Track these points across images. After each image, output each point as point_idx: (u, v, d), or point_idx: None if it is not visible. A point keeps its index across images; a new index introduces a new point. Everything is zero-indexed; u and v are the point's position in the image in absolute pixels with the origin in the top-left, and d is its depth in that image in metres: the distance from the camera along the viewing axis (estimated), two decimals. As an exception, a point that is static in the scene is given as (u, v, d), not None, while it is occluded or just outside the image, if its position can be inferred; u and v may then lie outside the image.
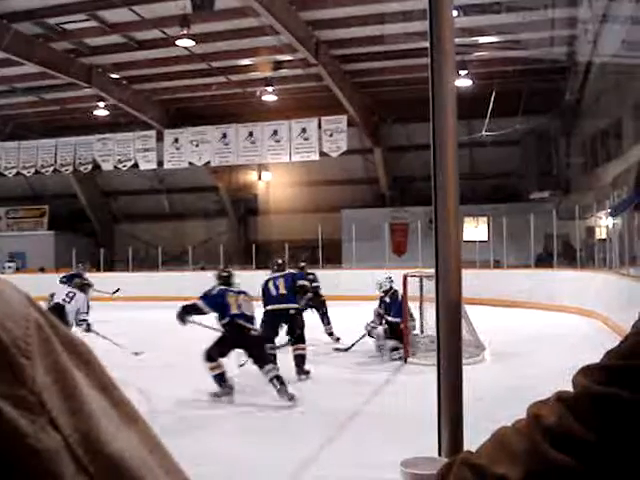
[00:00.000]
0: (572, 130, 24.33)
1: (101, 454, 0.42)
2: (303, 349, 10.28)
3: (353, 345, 12.07)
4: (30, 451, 0.38)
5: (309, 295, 12.09)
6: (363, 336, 11.99)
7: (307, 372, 10.06)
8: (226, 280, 9.19)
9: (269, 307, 10.34)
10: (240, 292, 8.93)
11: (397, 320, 11.55)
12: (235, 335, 8.56)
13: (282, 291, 10.40)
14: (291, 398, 8.14)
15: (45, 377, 0.41)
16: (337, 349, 12.36)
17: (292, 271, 11.51)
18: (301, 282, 10.98)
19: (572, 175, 24.72)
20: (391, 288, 12.08)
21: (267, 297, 10.44)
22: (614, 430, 0.66)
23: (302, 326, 10.45)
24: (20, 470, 0.38)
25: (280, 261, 11.32)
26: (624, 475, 0.66)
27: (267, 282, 10.58)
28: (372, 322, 12.01)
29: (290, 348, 10.27)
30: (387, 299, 11.99)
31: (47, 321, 0.44)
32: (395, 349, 11.35)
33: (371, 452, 5.97)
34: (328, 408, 7.82)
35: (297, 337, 10.28)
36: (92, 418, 0.42)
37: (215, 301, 8.79)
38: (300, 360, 10.11)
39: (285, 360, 9.71)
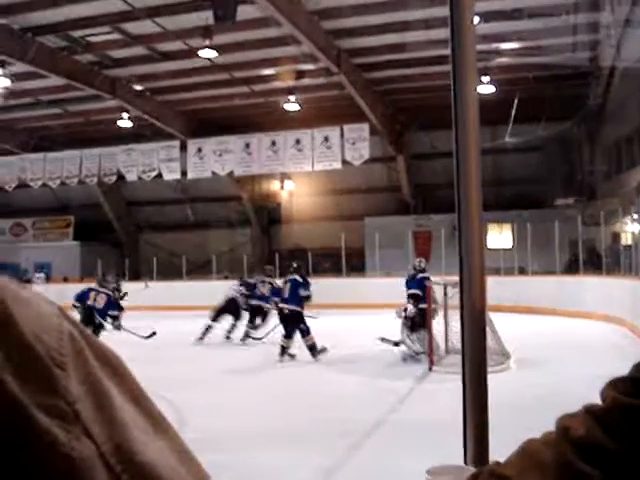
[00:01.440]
0: (596, 136, 24.16)
1: (133, 463, 0.42)
2: (310, 339, 12.23)
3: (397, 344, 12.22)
4: (65, 459, 0.39)
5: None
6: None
7: (324, 350, 12.18)
8: None
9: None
10: None
11: (416, 292, 12.13)
12: None
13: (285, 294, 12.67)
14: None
15: (79, 388, 0.42)
16: (383, 339, 12.44)
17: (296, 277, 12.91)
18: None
19: (596, 181, 24.52)
20: (422, 270, 12.74)
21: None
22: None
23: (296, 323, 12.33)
24: (55, 478, 0.39)
25: (295, 265, 13.28)
26: None
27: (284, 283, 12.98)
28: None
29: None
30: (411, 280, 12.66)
31: (80, 333, 0.45)
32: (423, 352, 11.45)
33: (396, 461, 5.94)
34: (352, 416, 7.79)
35: (301, 331, 12.28)
36: (124, 428, 0.43)
37: None
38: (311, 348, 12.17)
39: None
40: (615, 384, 0.72)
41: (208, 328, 15.11)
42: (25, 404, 0.38)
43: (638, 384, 0.69)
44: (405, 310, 12.26)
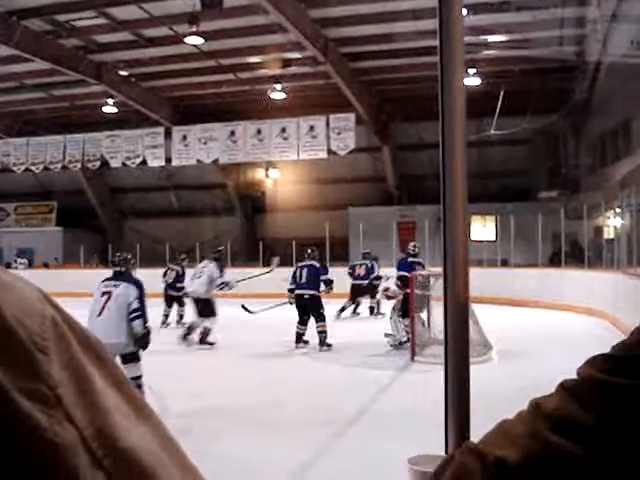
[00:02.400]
0: (581, 129, 24.27)
1: (115, 448, 0.42)
2: (323, 327, 12.20)
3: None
4: (47, 444, 0.39)
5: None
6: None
7: (328, 345, 12.08)
8: None
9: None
10: None
11: (403, 273, 12.23)
12: None
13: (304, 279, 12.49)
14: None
15: (61, 372, 0.42)
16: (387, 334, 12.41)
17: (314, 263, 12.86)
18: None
19: (580, 174, 24.66)
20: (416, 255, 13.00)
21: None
22: (615, 415, 0.67)
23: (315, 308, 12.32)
24: (37, 463, 0.39)
25: (309, 251, 13.04)
26: (625, 460, 0.66)
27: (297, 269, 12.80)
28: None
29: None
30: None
31: (63, 317, 0.45)
32: (407, 340, 11.50)
33: (377, 450, 5.97)
34: (334, 405, 7.82)
35: (317, 317, 12.26)
36: (107, 413, 0.43)
37: None
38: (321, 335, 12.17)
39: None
40: (592, 362, 0.73)
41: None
42: (6, 388, 0.38)
43: (614, 361, 0.71)
44: (386, 290, 12.37)
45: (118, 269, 7.98)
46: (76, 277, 25.26)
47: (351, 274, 18.04)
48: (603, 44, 17.15)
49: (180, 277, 15.98)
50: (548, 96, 22.23)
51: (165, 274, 16.40)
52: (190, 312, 13.70)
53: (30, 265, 28.91)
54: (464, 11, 1.42)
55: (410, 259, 12.77)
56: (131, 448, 0.43)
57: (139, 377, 7.32)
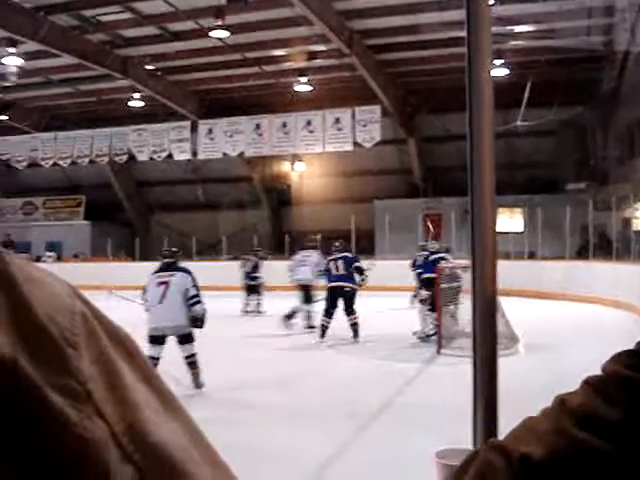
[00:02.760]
0: (609, 120, 23.99)
1: (145, 444, 0.42)
2: (356, 319, 12.23)
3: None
4: (77, 439, 0.39)
5: None
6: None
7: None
8: None
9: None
10: None
11: (429, 275, 12.18)
12: None
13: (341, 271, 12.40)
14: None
15: (91, 367, 0.42)
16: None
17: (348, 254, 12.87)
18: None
19: (609, 166, 24.37)
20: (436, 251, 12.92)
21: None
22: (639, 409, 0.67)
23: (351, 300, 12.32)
24: (67, 458, 0.39)
25: (337, 243, 12.96)
26: None
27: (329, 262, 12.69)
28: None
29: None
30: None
31: (92, 312, 0.45)
32: (435, 333, 11.49)
33: (403, 443, 5.97)
34: (360, 398, 7.83)
35: (349, 309, 12.28)
36: (137, 408, 0.43)
37: None
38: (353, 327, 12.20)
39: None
40: (617, 357, 0.73)
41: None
42: (39, 384, 0.38)
43: (638, 357, 0.70)
44: (415, 296, 12.39)
45: (169, 260, 8.65)
46: (104, 270, 25.53)
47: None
48: (631, 33, 16.92)
49: (256, 268, 17.20)
50: (575, 87, 22.01)
51: (244, 265, 17.48)
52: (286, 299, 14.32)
53: (59, 258, 29.19)
54: (491, 1, 1.41)
55: (432, 257, 12.62)
56: (161, 443, 0.43)
57: (194, 354, 8.22)
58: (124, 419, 0.42)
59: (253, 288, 17.08)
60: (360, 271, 12.54)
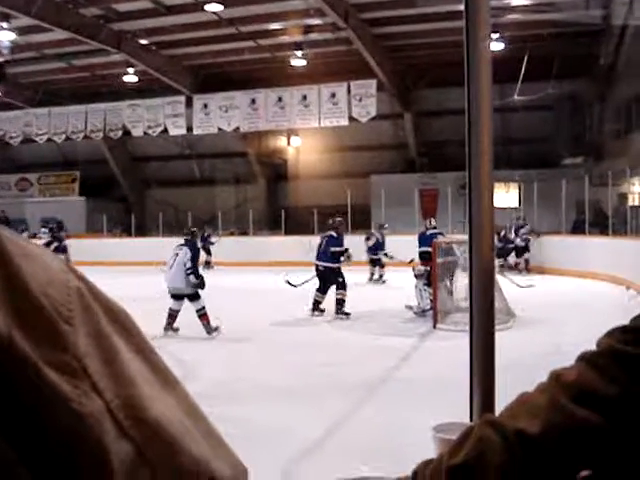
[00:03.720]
0: (606, 95, 23.87)
1: (141, 418, 0.42)
2: (342, 295, 12.27)
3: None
4: (74, 415, 0.39)
5: None
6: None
7: (346, 314, 12.11)
8: None
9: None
10: None
11: (425, 249, 12.45)
12: None
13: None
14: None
15: (87, 343, 0.42)
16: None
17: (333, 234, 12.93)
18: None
19: (605, 141, 24.31)
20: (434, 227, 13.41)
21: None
22: (635, 385, 0.67)
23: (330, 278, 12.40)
24: (64, 434, 0.39)
25: (331, 220, 13.26)
26: None
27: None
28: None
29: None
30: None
31: (87, 287, 0.44)
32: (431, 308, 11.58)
33: (401, 417, 6.00)
34: (356, 373, 7.86)
35: (337, 286, 12.31)
36: (132, 383, 0.43)
37: None
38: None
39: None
40: (612, 333, 0.74)
41: None
42: (34, 360, 0.38)
43: (633, 333, 0.71)
44: (413, 268, 12.50)
45: (186, 237, 10.99)
46: (99, 246, 25.52)
47: None
48: (629, 7, 16.82)
49: (380, 243, 18.79)
50: (573, 61, 21.88)
51: (368, 239, 19.08)
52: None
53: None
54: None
55: (429, 232, 13.05)
56: (158, 418, 0.43)
57: (203, 308, 10.22)
58: (120, 395, 0.42)
59: (375, 261, 18.83)
60: (335, 255, 12.63)
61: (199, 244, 12.21)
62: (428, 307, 11.81)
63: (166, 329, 10.29)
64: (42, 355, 0.39)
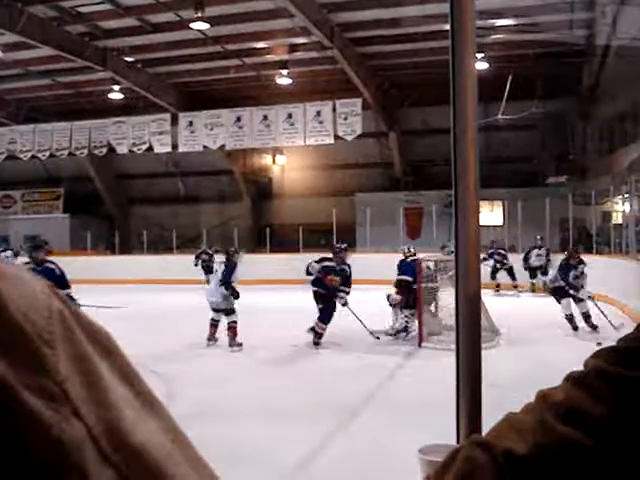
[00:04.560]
0: (589, 114, 24.12)
1: (124, 444, 0.41)
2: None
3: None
4: (54, 441, 0.38)
5: None
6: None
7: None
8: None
9: None
10: None
11: (405, 277, 12.13)
12: None
13: None
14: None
15: (68, 367, 0.41)
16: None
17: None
18: None
19: (589, 160, 24.52)
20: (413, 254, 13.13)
21: None
22: (625, 406, 0.67)
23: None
24: (44, 461, 0.38)
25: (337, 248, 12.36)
26: (636, 451, 0.66)
27: None
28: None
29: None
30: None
31: (69, 310, 0.44)
32: (405, 329, 11.55)
33: (386, 438, 5.98)
34: (342, 393, 7.83)
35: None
36: (115, 408, 0.42)
37: None
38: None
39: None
40: (598, 353, 0.74)
41: None
42: (12, 384, 0.37)
43: (620, 353, 0.70)
44: (388, 297, 12.35)
45: (227, 256, 11.84)
46: (83, 264, 25.38)
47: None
48: (612, 28, 17.01)
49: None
50: (556, 80, 22.09)
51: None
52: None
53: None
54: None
55: (409, 259, 12.83)
56: (141, 443, 0.42)
57: (235, 322, 11.12)
58: (102, 419, 0.41)
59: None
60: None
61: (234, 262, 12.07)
62: (402, 327, 11.79)
63: (209, 339, 11.30)
64: (21, 379, 0.38)
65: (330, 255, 12.02)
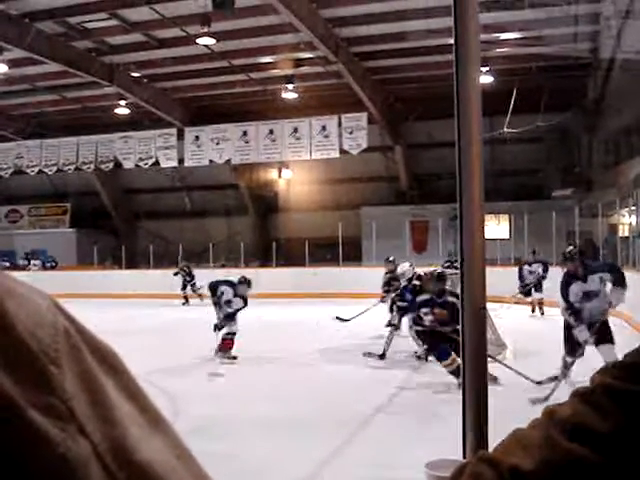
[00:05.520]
0: (595, 127, 24.11)
1: (130, 461, 0.42)
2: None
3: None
4: (60, 459, 0.38)
5: None
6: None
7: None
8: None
9: None
10: None
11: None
12: None
13: None
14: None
15: (74, 385, 0.41)
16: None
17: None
18: None
19: (595, 172, 24.49)
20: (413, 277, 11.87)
21: None
22: (630, 421, 0.66)
23: None
24: (50, 478, 0.38)
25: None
26: None
27: None
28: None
29: None
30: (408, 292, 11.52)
31: (76, 328, 0.44)
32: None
33: (392, 453, 5.94)
34: (349, 406, 7.80)
35: None
36: (121, 425, 0.43)
37: None
38: None
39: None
40: (604, 369, 0.74)
41: None
42: (19, 403, 0.38)
43: (626, 369, 0.70)
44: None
45: (242, 280, 11.74)
46: (90, 278, 25.42)
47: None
48: (617, 41, 17.03)
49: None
50: (562, 93, 22.10)
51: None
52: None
53: (44, 266, 29.04)
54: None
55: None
56: (146, 461, 0.42)
57: (233, 333, 11.12)
58: (108, 437, 0.41)
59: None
60: None
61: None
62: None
63: (228, 357, 11.08)
64: (28, 397, 0.38)
65: None
